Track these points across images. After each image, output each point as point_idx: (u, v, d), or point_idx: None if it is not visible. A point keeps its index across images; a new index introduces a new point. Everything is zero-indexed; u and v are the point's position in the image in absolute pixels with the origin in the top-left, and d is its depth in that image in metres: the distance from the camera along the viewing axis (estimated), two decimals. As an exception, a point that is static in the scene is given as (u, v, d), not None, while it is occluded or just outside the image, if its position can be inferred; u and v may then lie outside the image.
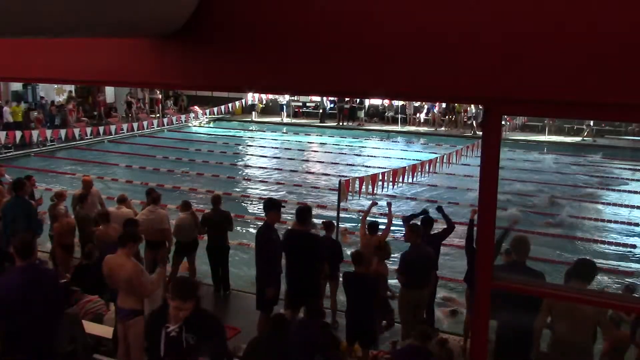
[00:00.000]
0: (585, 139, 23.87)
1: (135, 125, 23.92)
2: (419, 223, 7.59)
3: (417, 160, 16.30)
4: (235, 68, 2.65)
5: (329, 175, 17.50)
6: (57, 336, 4.72)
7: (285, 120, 28.86)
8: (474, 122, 25.43)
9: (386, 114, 28.02)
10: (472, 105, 23.95)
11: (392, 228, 8.64)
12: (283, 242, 6.90)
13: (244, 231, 11.65)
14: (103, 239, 7.47)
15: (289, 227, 7.42)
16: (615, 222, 13.34)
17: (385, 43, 2.34)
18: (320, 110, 28.26)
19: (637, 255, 11.43)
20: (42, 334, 4.49)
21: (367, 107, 28.62)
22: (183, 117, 27.62)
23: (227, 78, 2.70)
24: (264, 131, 26.90)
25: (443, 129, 26.38)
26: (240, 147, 22.87)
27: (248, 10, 2.54)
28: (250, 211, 13.65)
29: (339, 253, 7.65)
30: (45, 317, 4.49)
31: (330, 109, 28.36)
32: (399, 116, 27.42)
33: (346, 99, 26.84)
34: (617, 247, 11.68)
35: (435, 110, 26.65)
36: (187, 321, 3.79)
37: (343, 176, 14.04)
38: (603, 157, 20.75)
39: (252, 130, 27.47)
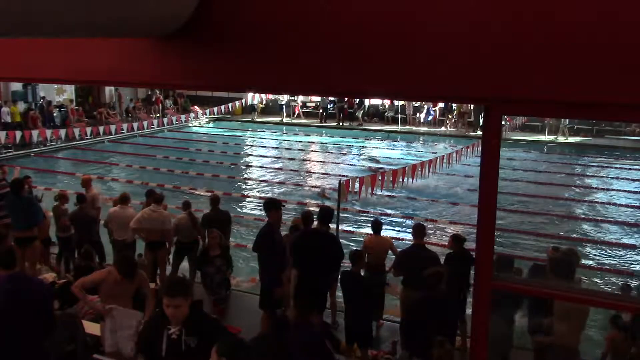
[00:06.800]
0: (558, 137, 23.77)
1: (135, 125, 23.91)
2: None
3: (417, 160, 16.29)
4: (235, 68, 2.65)
5: (329, 175, 17.50)
6: (48, 344, 4.64)
7: (285, 120, 28.85)
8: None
9: (386, 114, 28.01)
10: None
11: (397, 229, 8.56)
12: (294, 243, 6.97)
13: (244, 232, 11.64)
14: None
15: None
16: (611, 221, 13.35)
17: (385, 43, 2.34)
18: (321, 110, 28.23)
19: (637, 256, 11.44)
20: (29, 344, 4.42)
21: (367, 107, 28.60)
22: (183, 117, 27.62)
23: (227, 78, 2.70)
24: (264, 131, 26.89)
25: (443, 128, 26.37)
26: (240, 147, 22.85)
27: (248, 10, 2.54)
28: (250, 211, 13.64)
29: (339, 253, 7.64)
30: (32, 327, 4.41)
31: (330, 109, 28.34)
32: (399, 116, 27.41)
33: (346, 100, 26.83)
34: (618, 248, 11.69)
35: (432, 112, 26.70)
36: (187, 324, 3.76)
37: (343, 176, 14.03)
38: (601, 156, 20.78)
39: (252, 130, 27.46)
